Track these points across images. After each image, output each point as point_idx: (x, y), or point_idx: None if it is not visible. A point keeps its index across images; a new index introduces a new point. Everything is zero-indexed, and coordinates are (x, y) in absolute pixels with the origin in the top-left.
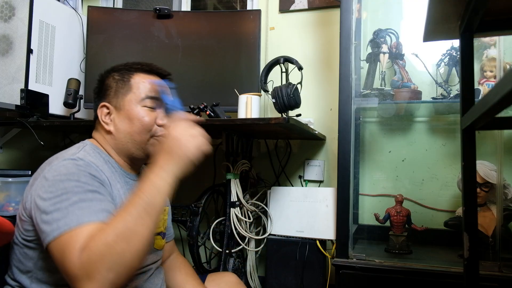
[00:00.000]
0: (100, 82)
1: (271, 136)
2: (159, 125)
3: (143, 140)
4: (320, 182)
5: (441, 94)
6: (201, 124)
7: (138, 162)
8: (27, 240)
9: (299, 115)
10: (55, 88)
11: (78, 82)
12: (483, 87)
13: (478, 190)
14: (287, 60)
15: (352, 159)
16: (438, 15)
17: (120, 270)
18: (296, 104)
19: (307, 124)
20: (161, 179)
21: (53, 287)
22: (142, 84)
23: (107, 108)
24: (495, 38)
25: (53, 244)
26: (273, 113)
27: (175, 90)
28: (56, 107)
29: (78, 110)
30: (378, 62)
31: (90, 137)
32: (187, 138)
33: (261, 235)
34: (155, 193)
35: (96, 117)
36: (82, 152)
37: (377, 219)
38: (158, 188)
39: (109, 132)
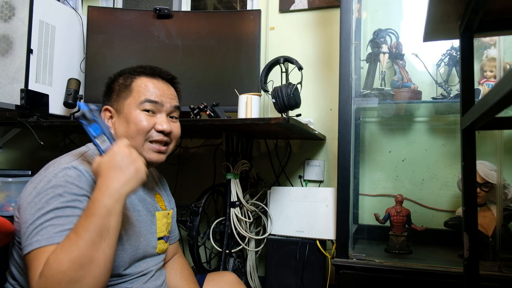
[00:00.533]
0: (106, 86)
1: (271, 136)
2: (158, 131)
3: (138, 144)
4: (320, 182)
5: (441, 94)
6: (201, 124)
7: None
8: (19, 242)
9: (299, 115)
10: (55, 88)
11: (78, 82)
12: (483, 87)
13: (478, 190)
14: (287, 60)
15: (352, 159)
16: (438, 15)
17: None
18: (296, 104)
19: (307, 124)
20: (110, 198)
21: None
22: (142, 87)
23: (110, 111)
24: (495, 38)
25: (26, 257)
26: (273, 113)
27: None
28: (56, 107)
29: (78, 110)
30: (378, 62)
31: None
32: (131, 156)
33: (261, 235)
34: (106, 214)
35: None
36: (80, 159)
37: (377, 219)
38: (108, 209)
39: None
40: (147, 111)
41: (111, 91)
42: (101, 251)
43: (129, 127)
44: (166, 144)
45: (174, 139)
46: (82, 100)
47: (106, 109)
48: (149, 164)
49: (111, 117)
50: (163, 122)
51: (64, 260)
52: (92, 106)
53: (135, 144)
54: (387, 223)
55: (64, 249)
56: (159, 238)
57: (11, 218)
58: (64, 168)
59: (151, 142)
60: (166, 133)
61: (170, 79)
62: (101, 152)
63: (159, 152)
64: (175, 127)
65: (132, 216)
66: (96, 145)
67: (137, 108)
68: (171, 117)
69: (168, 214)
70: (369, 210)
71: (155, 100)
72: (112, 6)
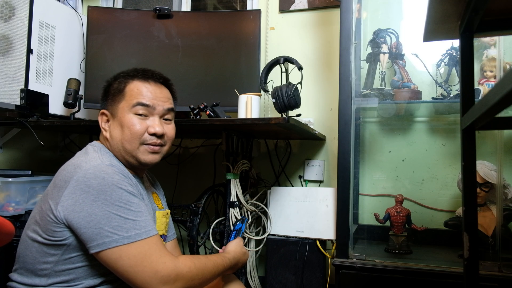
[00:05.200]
0: (103, 89)
1: (271, 136)
2: (151, 134)
3: (133, 148)
4: (320, 182)
5: (441, 94)
6: (201, 124)
7: (134, 168)
8: (51, 240)
9: (299, 115)
10: (55, 88)
11: (78, 82)
12: (483, 87)
13: (478, 190)
14: (287, 60)
15: (352, 159)
16: (438, 15)
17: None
18: (296, 104)
19: (307, 124)
20: (223, 263)
21: (69, 286)
22: (134, 91)
23: (106, 115)
24: (495, 38)
25: (123, 249)
26: (273, 113)
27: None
28: (56, 107)
29: (78, 110)
30: (378, 62)
31: (96, 139)
32: (244, 253)
33: (261, 235)
34: (222, 269)
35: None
36: (107, 156)
37: (377, 219)
38: (224, 266)
39: (106, 139)
40: (140, 114)
41: (107, 95)
42: (207, 283)
43: (123, 131)
44: (160, 145)
45: (168, 140)
46: (82, 101)
47: (103, 113)
48: (144, 165)
49: (107, 120)
50: (155, 125)
51: (194, 269)
52: (244, 225)
53: (130, 148)
54: (387, 223)
55: (196, 263)
56: None
57: (11, 218)
58: (108, 165)
59: (146, 144)
60: (159, 136)
61: (163, 82)
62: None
63: (154, 152)
64: (169, 129)
65: None
66: (236, 230)
67: (130, 111)
68: (165, 119)
69: (167, 213)
70: (369, 210)
71: (147, 103)
72: (112, 6)
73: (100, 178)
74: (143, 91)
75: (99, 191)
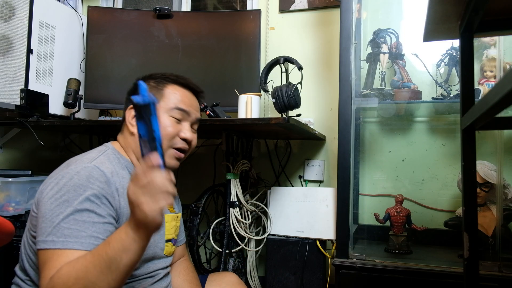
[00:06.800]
0: (134, 85)
1: (271, 136)
2: (182, 138)
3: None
4: (320, 182)
5: (441, 94)
6: (201, 124)
7: None
8: (34, 237)
9: (299, 115)
10: (55, 88)
11: (78, 82)
12: (483, 87)
13: (478, 190)
14: (287, 60)
15: (352, 159)
16: (438, 15)
17: None
18: (296, 104)
19: (307, 124)
20: (130, 239)
21: None
22: (174, 95)
23: None
24: (495, 38)
25: (39, 252)
26: (273, 113)
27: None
28: (56, 107)
29: (78, 110)
30: (378, 62)
31: (114, 139)
32: (161, 201)
33: (261, 235)
34: (121, 251)
35: (123, 118)
36: (101, 157)
37: (377, 219)
38: (125, 247)
39: (132, 134)
40: (175, 118)
41: None
42: (105, 282)
43: None
44: (185, 151)
45: (191, 149)
46: (82, 101)
47: (133, 108)
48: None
49: (135, 116)
50: (187, 130)
51: (72, 277)
52: (152, 97)
53: None
54: (387, 223)
55: (76, 267)
56: (167, 241)
57: (11, 218)
58: (86, 167)
59: (174, 148)
60: (188, 142)
61: (198, 92)
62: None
63: (178, 158)
64: (195, 138)
65: None
66: (140, 146)
67: (166, 113)
68: (193, 128)
69: (178, 217)
70: (369, 210)
71: (185, 109)
72: (112, 6)
73: (70, 177)
74: (183, 97)
75: (59, 189)
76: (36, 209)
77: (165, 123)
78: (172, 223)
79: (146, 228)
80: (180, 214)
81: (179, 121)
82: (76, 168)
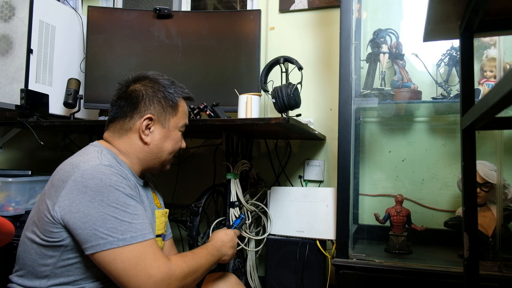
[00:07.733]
0: (154, 90)
1: (271, 136)
2: (180, 148)
3: (167, 159)
4: (320, 182)
5: (441, 94)
6: (201, 124)
7: (150, 173)
8: (49, 242)
9: (299, 115)
10: (55, 88)
11: (78, 82)
12: (483, 87)
13: (478, 190)
14: (287, 60)
15: (352, 159)
16: (438, 15)
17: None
18: (296, 104)
19: (307, 124)
20: (212, 256)
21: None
22: (184, 112)
23: (151, 120)
24: (495, 38)
25: (117, 251)
26: (273, 113)
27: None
28: (56, 107)
29: (78, 110)
30: (378, 62)
31: (98, 138)
32: (230, 247)
33: (261, 235)
34: (209, 258)
35: (119, 120)
36: (108, 157)
37: (377, 219)
38: (214, 256)
39: (145, 143)
40: (181, 132)
41: (153, 101)
42: (200, 272)
43: (168, 144)
44: None
45: None
46: (82, 101)
47: (151, 119)
48: (163, 172)
49: (148, 125)
50: (183, 142)
51: (185, 266)
52: (238, 220)
53: (166, 158)
54: (387, 223)
55: (186, 259)
56: (157, 236)
57: (11, 218)
58: (106, 165)
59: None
60: None
61: (193, 101)
62: (232, 227)
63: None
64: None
65: None
66: (234, 223)
67: (177, 129)
68: None
69: (166, 213)
70: (369, 210)
71: (187, 123)
72: (112, 6)
73: (97, 179)
74: (187, 111)
75: (96, 192)
76: (51, 216)
77: (177, 138)
78: (162, 219)
79: (223, 260)
80: (167, 210)
81: (182, 134)
82: (95, 168)
